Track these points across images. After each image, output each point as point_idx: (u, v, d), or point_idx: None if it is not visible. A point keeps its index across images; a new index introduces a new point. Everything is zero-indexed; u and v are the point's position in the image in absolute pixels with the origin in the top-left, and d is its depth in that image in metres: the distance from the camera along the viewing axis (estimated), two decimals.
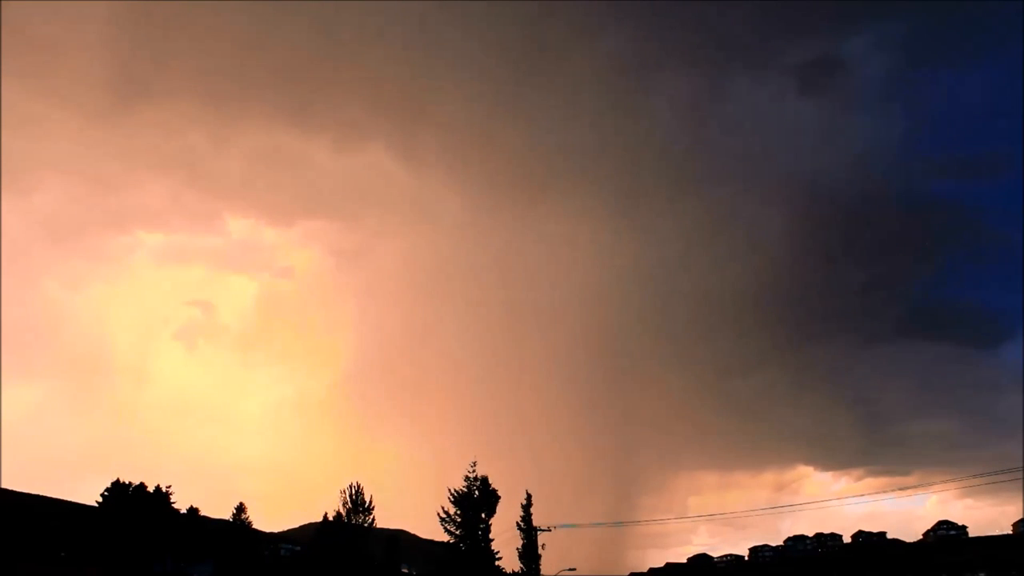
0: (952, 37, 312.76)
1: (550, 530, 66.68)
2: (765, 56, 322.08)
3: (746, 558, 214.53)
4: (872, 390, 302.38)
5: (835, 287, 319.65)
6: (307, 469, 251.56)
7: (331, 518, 72.62)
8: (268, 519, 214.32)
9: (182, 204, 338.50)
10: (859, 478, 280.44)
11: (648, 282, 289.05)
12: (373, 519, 71.20)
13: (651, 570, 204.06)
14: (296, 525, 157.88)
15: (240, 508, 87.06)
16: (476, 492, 64.44)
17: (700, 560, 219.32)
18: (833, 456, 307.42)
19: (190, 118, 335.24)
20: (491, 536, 64.88)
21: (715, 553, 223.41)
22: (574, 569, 67.89)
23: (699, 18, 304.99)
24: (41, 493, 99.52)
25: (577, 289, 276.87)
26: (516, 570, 66.68)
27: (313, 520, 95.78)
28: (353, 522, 70.30)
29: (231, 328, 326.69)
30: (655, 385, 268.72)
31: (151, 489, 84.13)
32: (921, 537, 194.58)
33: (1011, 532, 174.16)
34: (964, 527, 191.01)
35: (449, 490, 64.93)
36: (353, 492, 71.08)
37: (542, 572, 66.43)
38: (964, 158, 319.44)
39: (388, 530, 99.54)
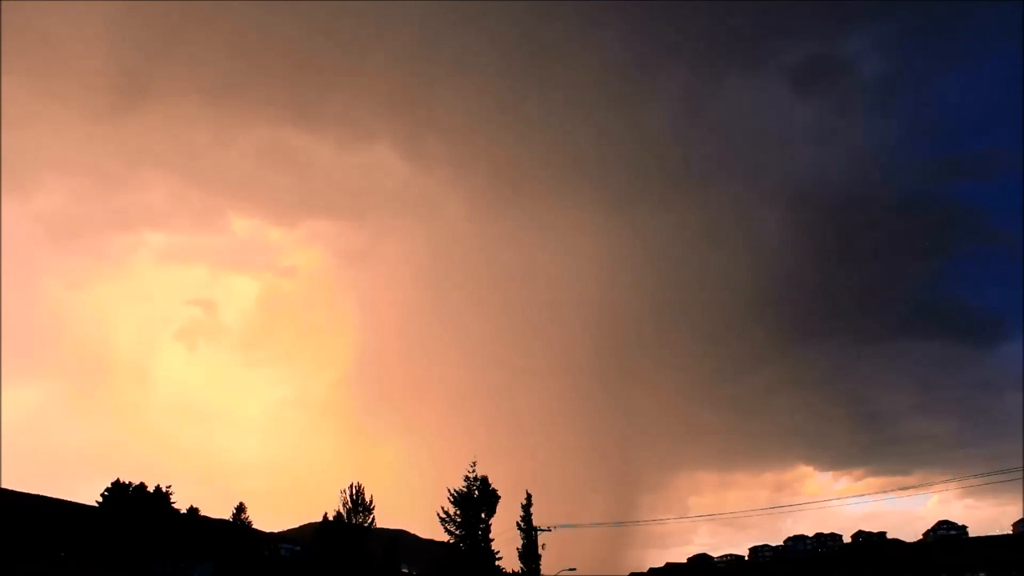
0: (951, 37, 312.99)
1: (550, 530, 66.60)
2: (763, 56, 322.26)
3: (746, 558, 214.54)
4: (872, 390, 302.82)
5: (834, 287, 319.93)
6: (307, 469, 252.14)
7: (331, 518, 72.52)
8: (268, 519, 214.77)
9: (185, 203, 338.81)
10: (859, 478, 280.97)
11: (648, 282, 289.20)
12: (373, 519, 71.11)
13: (651, 570, 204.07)
14: (296, 525, 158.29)
15: (240, 508, 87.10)
16: (476, 492, 64.38)
17: (700, 560, 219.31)
18: (833, 456, 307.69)
19: (193, 117, 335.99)
20: (491, 536, 64.81)
21: (715, 553, 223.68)
22: (574, 569, 67.81)
23: (698, 18, 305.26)
24: (41, 493, 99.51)
25: (578, 289, 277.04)
26: (516, 570, 66.59)
27: (313, 520, 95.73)
28: (353, 522, 70.21)
29: (232, 328, 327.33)
30: (655, 384, 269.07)
31: (151, 489, 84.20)
32: (921, 537, 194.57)
33: (1011, 532, 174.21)
34: (964, 527, 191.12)
35: (449, 490, 64.89)
36: (353, 492, 70.99)
37: (542, 572, 66.35)
38: (964, 158, 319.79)
39: (388, 530, 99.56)
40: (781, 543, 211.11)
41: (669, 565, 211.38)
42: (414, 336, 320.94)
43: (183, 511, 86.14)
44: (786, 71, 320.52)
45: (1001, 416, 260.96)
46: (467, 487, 64.52)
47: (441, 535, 65.48)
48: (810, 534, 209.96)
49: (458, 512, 64.14)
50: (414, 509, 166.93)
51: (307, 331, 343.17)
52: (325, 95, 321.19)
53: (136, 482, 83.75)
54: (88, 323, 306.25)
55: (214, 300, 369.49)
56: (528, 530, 65.94)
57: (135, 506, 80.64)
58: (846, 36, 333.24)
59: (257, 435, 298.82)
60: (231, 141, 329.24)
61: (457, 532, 64.01)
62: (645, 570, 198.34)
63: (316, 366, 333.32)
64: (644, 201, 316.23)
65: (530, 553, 65.40)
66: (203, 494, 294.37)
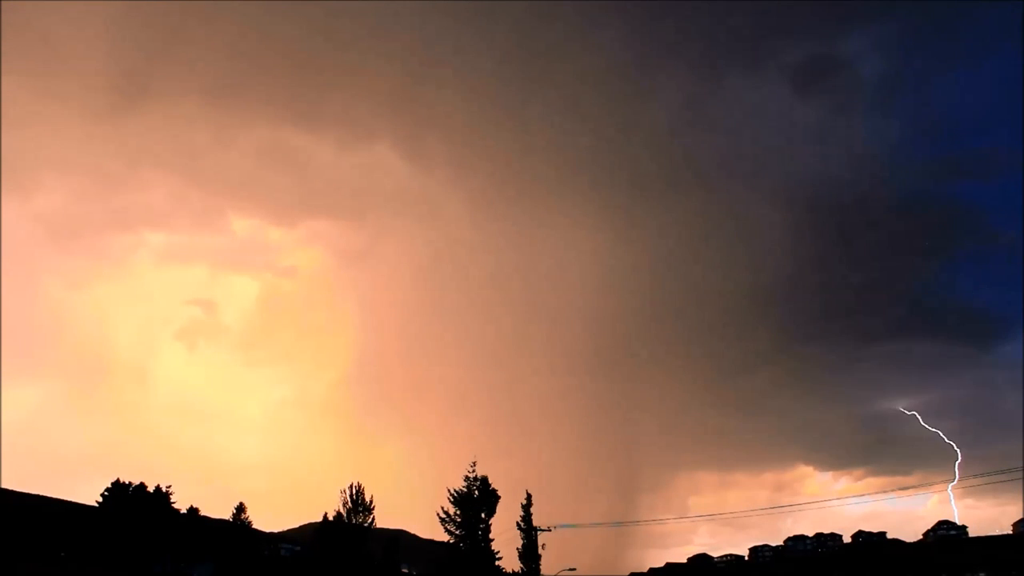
0: (951, 37, 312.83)
1: (550, 530, 66.78)
2: (763, 56, 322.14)
3: (746, 558, 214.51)
4: (872, 390, 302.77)
5: (835, 286, 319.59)
6: (307, 469, 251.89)
7: (331, 518, 72.59)
8: (268, 519, 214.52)
9: (185, 203, 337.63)
10: (859, 478, 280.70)
11: (648, 282, 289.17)
12: (373, 519, 71.24)
13: (651, 570, 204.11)
14: (296, 525, 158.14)
15: (240, 508, 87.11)
16: (476, 492, 64.47)
17: (700, 560, 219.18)
18: (833, 456, 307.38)
19: (193, 117, 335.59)
20: (491, 536, 64.96)
21: (715, 553, 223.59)
22: (574, 569, 67.99)
23: (698, 18, 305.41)
24: (41, 493, 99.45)
25: (578, 289, 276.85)
26: (516, 570, 66.70)
27: (313, 520, 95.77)
28: (353, 522, 70.27)
29: (232, 328, 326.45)
30: (655, 385, 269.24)
31: (151, 489, 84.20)
32: (921, 537, 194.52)
33: (1011, 532, 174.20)
34: (964, 527, 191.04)
35: (449, 490, 65.03)
36: (353, 492, 71.09)
37: (542, 572, 66.46)
38: (964, 158, 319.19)
39: (388, 530, 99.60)
40: (781, 543, 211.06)
41: (669, 565, 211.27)
42: (414, 336, 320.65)
43: (183, 511, 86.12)
44: (786, 71, 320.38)
45: (1001, 416, 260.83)
46: (467, 487, 64.63)
47: (441, 535, 65.71)
48: (810, 534, 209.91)
49: (458, 512, 64.24)
50: (414, 509, 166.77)
51: (307, 331, 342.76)
52: (325, 95, 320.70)
53: (136, 482, 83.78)
54: (88, 323, 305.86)
55: (214, 300, 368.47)
56: (528, 530, 66.03)
57: (135, 506, 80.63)
58: (846, 36, 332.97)
59: (257, 435, 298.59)
60: (231, 141, 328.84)
61: (457, 532, 64.10)
62: (645, 570, 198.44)
63: (316, 366, 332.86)
64: (644, 201, 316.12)
65: (530, 553, 65.50)
66: (203, 494, 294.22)
